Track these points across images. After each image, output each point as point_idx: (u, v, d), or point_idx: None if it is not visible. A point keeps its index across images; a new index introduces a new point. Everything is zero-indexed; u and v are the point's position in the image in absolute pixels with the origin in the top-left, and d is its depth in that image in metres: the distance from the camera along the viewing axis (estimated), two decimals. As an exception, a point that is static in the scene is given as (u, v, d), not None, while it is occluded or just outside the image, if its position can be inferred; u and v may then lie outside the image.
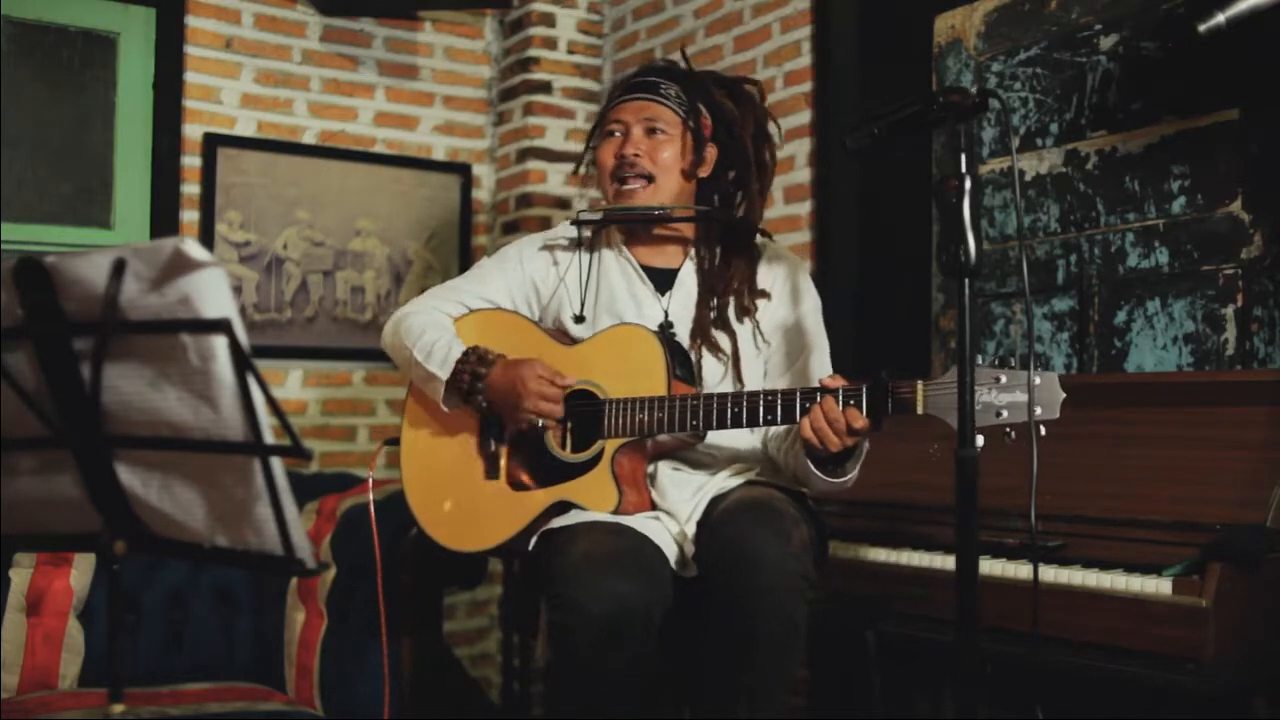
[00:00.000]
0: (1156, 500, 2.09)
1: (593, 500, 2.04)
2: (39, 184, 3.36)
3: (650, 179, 2.18)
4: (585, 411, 2.09)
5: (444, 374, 2.10)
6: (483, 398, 2.09)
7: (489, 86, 4.09)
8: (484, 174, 4.06)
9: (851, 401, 1.84)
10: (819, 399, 1.87)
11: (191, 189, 3.52)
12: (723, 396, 1.96)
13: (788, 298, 2.21)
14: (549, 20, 3.97)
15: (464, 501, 2.17)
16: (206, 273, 1.22)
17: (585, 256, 2.26)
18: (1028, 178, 2.72)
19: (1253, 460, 2.03)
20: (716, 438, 2.13)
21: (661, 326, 2.17)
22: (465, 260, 3.93)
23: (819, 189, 3.24)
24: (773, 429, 2.16)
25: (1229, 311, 2.36)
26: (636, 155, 2.17)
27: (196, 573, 2.73)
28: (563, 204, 3.95)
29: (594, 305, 2.22)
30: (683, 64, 2.32)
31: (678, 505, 2.07)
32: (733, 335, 2.17)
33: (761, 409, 1.93)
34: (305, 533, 1.32)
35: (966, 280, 1.63)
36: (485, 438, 2.17)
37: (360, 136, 3.81)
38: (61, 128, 3.38)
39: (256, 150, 3.61)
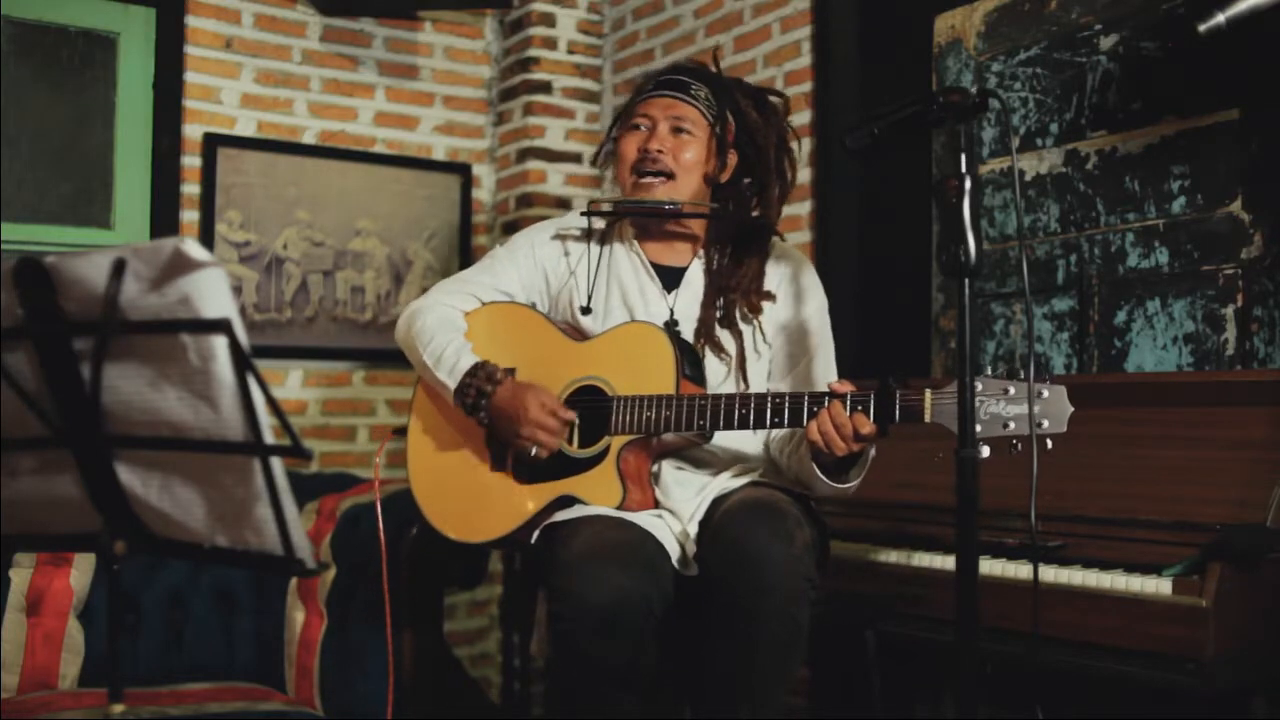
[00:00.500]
0: (1156, 500, 2.09)
1: (597, 496, 2.05)
2: (39, 184, 3.36)
3: (670, 176, 2.17)
4: (593, 407, 2.10)
5: (451, 384, 2.11)
6: (485, 415, 2.09)
7: (489, 86, 4.09)
8: (484, 174, 4.06)
9: (860, 407, 1.84)
10: (827, 403, 1.87)
11: (191, 189, 3.52)
12: (730, 397, 1.96)
13: (793, 298, 2.21)
14: (549, 20, 3.97)
15: (469, 493, 2.17)
16: (206, 273, 1.22)
17: (596, 248, 2.26)
18: (1028, 178, 2.72)
19: (1253, 460, 2.03)
20: (721, 438, 2.13)
21: (667, 324, 2.17)
22: (465, 260, 3.93)
23: (819, 189, 3.24)
24: (776, 431, 2.17)
25: (1229, 311, 2.36)
26: (660, 151, 2.17)
27: (196, 573, 2.73)
28: (563, 204, 3.95)
29: (603, 298, 2.22)
30: (713, 67, 2.32)
31: (681, 504, 2.08)
32: (738, 335, 2.17)
33: (769, 411, 1.93)
34: (305, 533, 1.32)
35: (966, 280, 1.63)
36: (492, 430, 2.17)
37: (360, 136, 3.81)
38: (61, 128, 3.38)
39: (256, 150, 3.61)
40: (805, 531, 1.94)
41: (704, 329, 2.17)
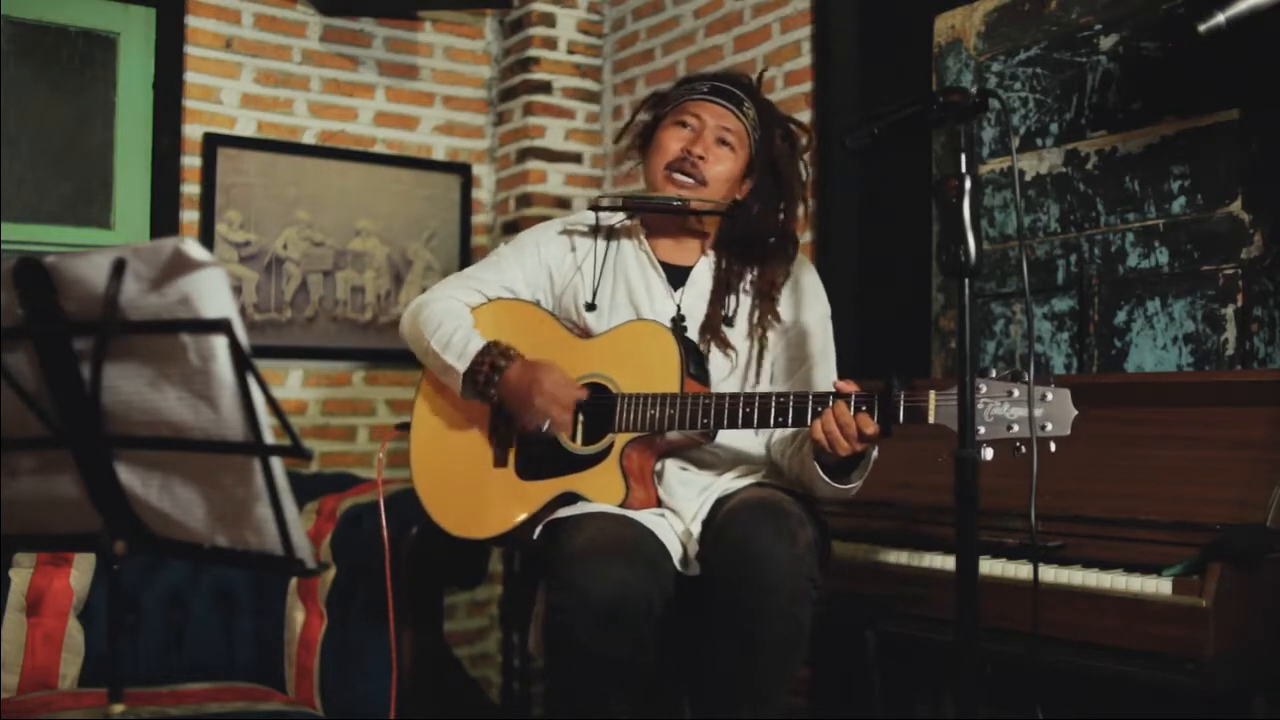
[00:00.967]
0: (1156, 500, 2.09)
1: (600, 493, 2.05)
2: (39, 184, 3.36)
3: (703, 183, 2.18)
4: (597, 405, 2.10)
5: (461, 366, 2.11)
6: (496, 392, 2.09)
7: (489, 86, 4.09)
8: (484, 174, 4.06)
9: (863, 407, 1.85)
10: (831, 403, 1.87)
11: (191, 189, 3.52)
12: (734, 397, 1.97)
13: (796, 304, 2.22)
14: (549, 20, 3.97)
15: (471, 489, 2.17)
16: (206, 273, 1.22)
17: (602, 244, 2.27)
18: (1028, 178, 2.72)
19: (1253, 460, 2.03)
20: (723, 439, 2.14)
21: (674, 321, 2.17)
22: (465, 260, 3.93)
23: (819, 189, 3.24)
24: (778, 433, 2.17)
25: (1229, 311, 2.36)
26: (701, 158, 2.17)
27: (196, 573, 2.73)
28: (563, 204, 3.95)
29: (608, 294, 2.22)
30: (756, 84, 2.32)
31: (683, 504, 2.08)
32: (761, 338, 2.17)
33: (773, 411, 1.93)
34: (305, 533, 1.32)
35: (966, 280, 1.63)
36: (496, 426, 2.17)
37: (360, 136, 3.81)
38: (61, 128, 3.38)
39: (256, 150, 3.61)
40: (808, 531, 1.94)
41: (709, 326, 2.17)
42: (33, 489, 1.42)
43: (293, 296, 3.65)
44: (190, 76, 3.52)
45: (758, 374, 2.19)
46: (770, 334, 2.18)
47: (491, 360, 2.09)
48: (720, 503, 2.06)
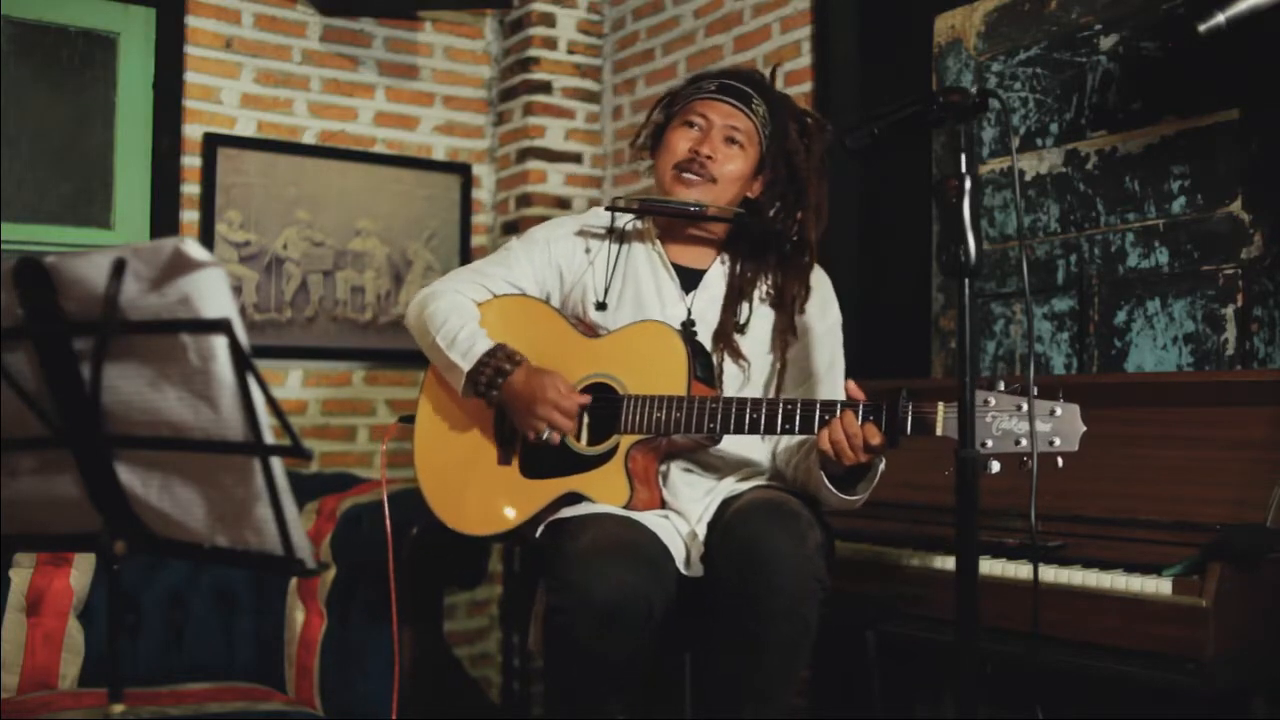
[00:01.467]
0: (1156, 500, 2.09)
1: (604, 494, 2.05)
2: (39, 184, 3.36)
3: (713, 182, 2.16)
4: (603, 405, 2.09)
5: (466, 365, 2.10)
6: (499, 395, 2.08)
7: (489, 86, 4.09)
8: (484, 174, 4.06)
9: (871, 418, 1.84)
10: (839, 412, 1.87)
11: (191, 189, 3.52)
12: (742, 401, 1.96)
13: (811, 312, 2.20)
14: (549, 20, 3.97)
15: (475, 486, 2.17)
16: (206, 273, 1.22)
17: (615, 245, 2.25)
18: (1028, 178, 2.72)
19: (1253, 460, 2.03)
20: (729, 443, 2.13)
21: (684, 325, 2.16)
22: (465, 260, 3.93)
23: (819, 189, 3.24)
24: (783, 441, 2.17)
25: (1229, 311, 2.36)
26: (709, 158, 2.16)
27: (196, 573, 2.73)
28: (563, 204, 3.95)
29: (618, 295, 2.21)
30: (768, 79, 2.30)
31: (689, 505, 2.07)
32: (769, 349, 2.17)
33: (780, 417, 1.92)
34: (305, 533, 1.32)
35: (966, 280, 1.63)
36: (501, 424, 2.17)
37: (360, 136, 3.81)
38: (61, 128, 3.38)
39: (256, 150, 3.61)
40: (817, 533, 1.93)
41: (722, 333, 2.15)
42: (33, 489, 1.42)
43: (293, 296, 3.65)
44: (190, 76, 3.52)
45: (778, 389, 2.18)
46: (791, 346, 2.18)
47: (496, 364, 2.08)
48: (727, 503, 2.05)
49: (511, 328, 2.19)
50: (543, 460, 2.12)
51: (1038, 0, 2.74)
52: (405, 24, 3.90)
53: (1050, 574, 2.01)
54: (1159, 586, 1.90)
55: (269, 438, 1.26)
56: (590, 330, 2.20)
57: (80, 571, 2.58)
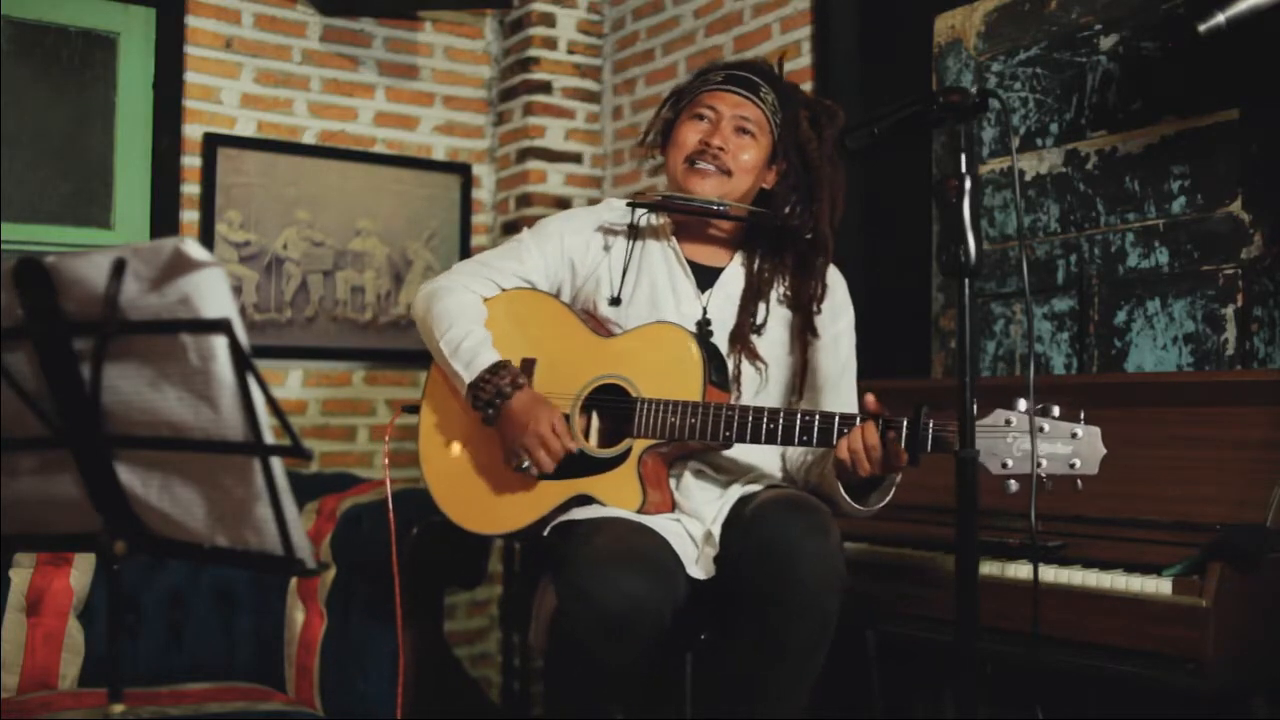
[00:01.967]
0: (1156, 500, 2.09)
1: (616, 498, 2.02)
2: (39, 184, 3.36)
3: (727, 173, 2.14)
4: (615, 407, 2.07)
5: (467, 377, 2.07)
6: (495, 412, 2.06)
7: (489, 86, 4.09)
8: (484, 174, 4.06)
9: (890, 431, 1.82)
10: (859, 423, 1.86)
11: (191, 189, 3.52)
12: (759, 411, 1.94)
13: (827, 314, 2.19)
14: (549, 20, 3.97)
15: (483, 483, 2.15)
16: (206, 273, 1.22)
17: (628, 241, 2.21)
18: (1028, 178, 2.72)
19: (1253, 460, 2.03)
20: (741, 448, 2.09)
21: (699, 324, 2.14)
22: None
23: (819, 189, 3.24)
24: (795, 450, 2.15)
25: (1229, 311, 2.36)
26: (721, 149, 2.13)
27: (196, 573, 2.73)
28: (563, 204, 3.95)
29: (632, 291, 2.18)
30: (776, 70, 2.28)
31: (702, 506, 2.06)
32: (789, 351, 2.16)
33: (798, 428, 1.90)
34: (305, 533, 1.32)
35: (966, 280, 1.62)
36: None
37: (360, 136, 3.81)
38: (61, 128, 3.38)
39: (256, 150, 3.61)
40: (838, 530, 1.92)
41: (739, 335, 2.13)
42: (33, 489, 1.42)
43: (293, 296, 3.65)
44: (190, 76, 3.52)
45: (800, 393, 2.16)
46: (808, 348, 2.17)
47: (498, 383, 2.05)
48: (743, 502, 2.03)
49: (520, 325, 2.17)
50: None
51: (1038, 0, 2.74)
52: (405, 24, 3.90)
53: (1050, 574, 2.01)
54: (1159, 586, 1.90)
55: (269, 438, 1.26)
56: (602, 328, 2.17)
57: (80, 571, 2.58)
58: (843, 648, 2.44)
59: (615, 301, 2.17)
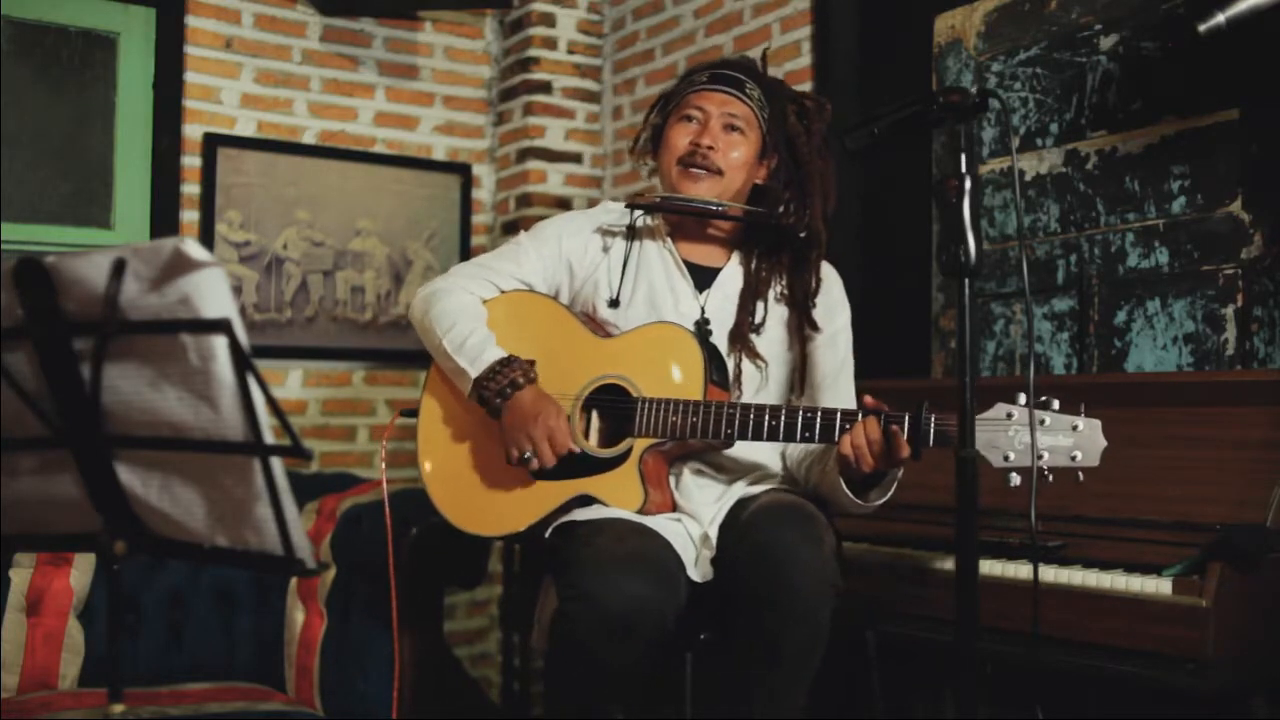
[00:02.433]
0: (1156, 500, 2.09)
1: (617, 498, 2.02)
2: (39, 184, 3.36)
3: (719, 173, 2.15)
4: (615, 407, 2.07)
5: (474, 372, 2.07)
6: (502, 402, 2.05)
7: (489, 86, 4.09)
8: (484, 174, 4.06)
9: (894, 426, 1.83)
10: (861, 419, 1.86)
11: (191, 189, 3.52)
12: (760, 408, 1.94)
13: (825, 312, 2.19)
14: (549, 20, 3.97)
15: (483, 484, 2.14)
16: (206, 273, 1.22)
17: (626, 242, 2.22)
18: (1028, 178, 2.72)
19: (1253, 460, 2.03)
20: (741, 446, 2.10)
21: (698, 324, 2.14)
22: (465, 260, 3.93)
23: (819, 189, 3.24)
24: (796, 449, 2.15)
25: (1229, 311, 2.36)
26: (711, 148, 2.14)
27: (196, 573, 2.72)
28: (563, 204, 3.95)
29: (631, 292, 2.18)
30: (760, 66, 2.29)
31: (701, 508, 2.06)
32: (799, 343, 2.16)
33: (800, 426, 1.90)
34: (305, 533, 1.32)
35: (966, 280, 1.63)
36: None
37: (360, 136, 3.81)
38: (61, 128, 3.38)
39: (256, 150, 3.61)
40: (831, 536, 1.93)
41: (738, 334, 2.14)
42: (33, 489, 1.42)
43: (293, 296, 3.65)
44: (190, 76, 3.52)
45: (801, 388, 2.17)
46: (806, 345, 2.17)
47: (511, 375, 2.04)
48: (740, 506, 2.04)
49: (520, 326, 2.17)
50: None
51: (1038, 0, 2.74)
52: (405, 24, 3.90)
53: (1050, 574, 2.01)
54: (1159, 586, 1.90)
55: (269, 438, 1.26)
56: (601, 329, 2.17)
57: (80, 571, 2.58)
58: (843, 648, 2.44)
59: (614, 303, 2.18)
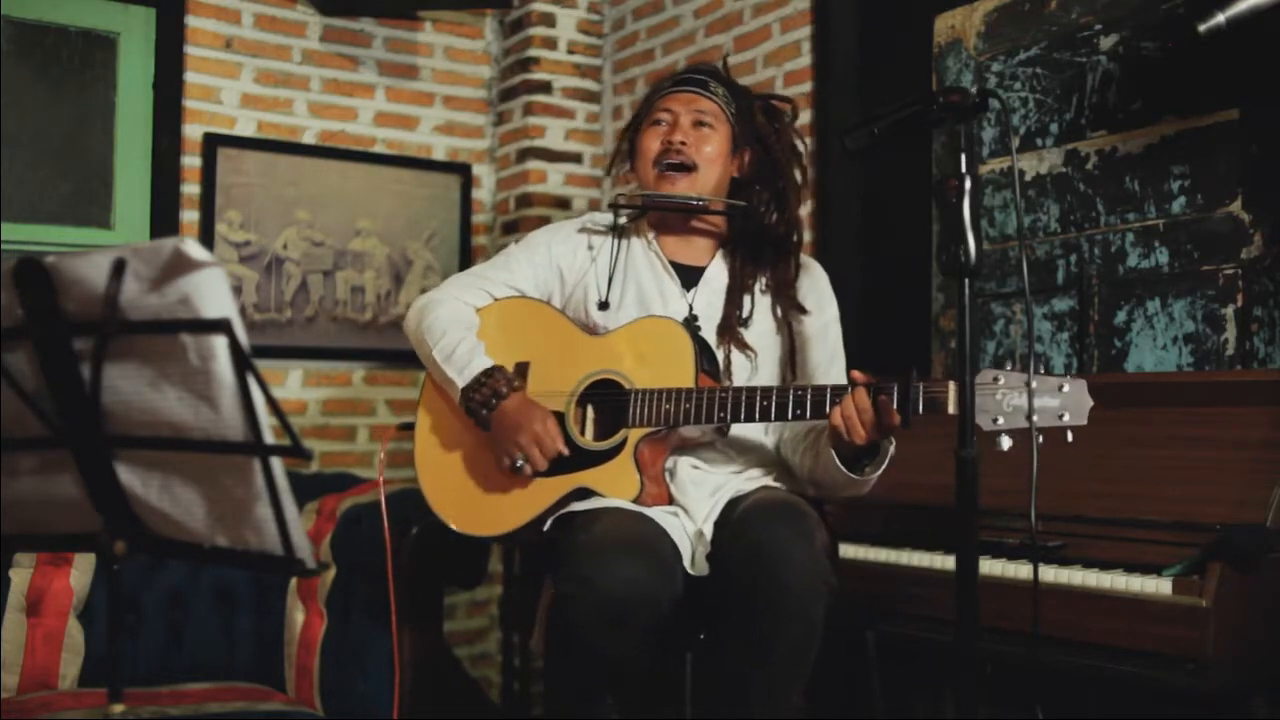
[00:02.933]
0: (1156, 500, 2.09)
1: (614, 488, 2.04)
2: (39, 184, 3.36)
3: (693, 168, 2.19)
4: (610, 400, 2.09)
5: (461, 381, 2.11)
6: (488, 413, 2.08)
7: (489, 86, 4.09)
8: (484, 174, 4.06)
9: (883, 396, 1.84)
10: (851, 392, 1.87)
11: (191, 189, 3.52)
12: (752, 390, 1.96)
13: (809, 306, 2.21)
14: (549, 20, 3.97)
15: (479, 486, 2.16)
16: (206, 273, 1.22)
17: (613, 244, 2.26)
18: (1028, 178, 2.72)
19: (1253, 460, 2.03)
20: (734, 437, 2.13)
21: (687, 321, 2.17)
22: (465, 260, 3.93)
23: (819, 189, 3.24)
24: (789, 432, 2.17)
25: (1229, 311, 2.36)
26: (683, 144, 2.18)
27: (196, 573, 2.73)
28: (563, 204, 3.95)
29: (620, 294, 2.22)
30: (722, 69, 2.34)
31: (695, 504, 2.07)
32: (785, 330, 2.18)
33: (791, 403, 1.92)
34: (305, 533, 1.32)
35: (966, 280, 1.63)
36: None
37: (360, 136, 3.81)
38: (61, 128, 3.38)
39: (256, 150, 3.61)
40: (824, 534, 1.93)
41: (727, 327, 2.16)
42: (33, 489, 1.42)
43: (293, 296, 3.65)
44: (190, 76, 3.52)
45: (793, 370, 2.19)
46: (793, 329, 2.19)
47: (494, 385, 2.08)
48: (734, 503, 2.05)
49: (513, 329, 2.19)
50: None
51: (1038, 0, 2.74)
52: (405, 24, 3.90)
53: (1050, 574, 2.01)
54: (1159, 586, 1.90)
55: (269, 438, 1.26)
56: (593, 330, 2.20)
57: (80, 571, 2.58)
58: (843, 648, 2.45)
59: (604, 306, 2.21)
